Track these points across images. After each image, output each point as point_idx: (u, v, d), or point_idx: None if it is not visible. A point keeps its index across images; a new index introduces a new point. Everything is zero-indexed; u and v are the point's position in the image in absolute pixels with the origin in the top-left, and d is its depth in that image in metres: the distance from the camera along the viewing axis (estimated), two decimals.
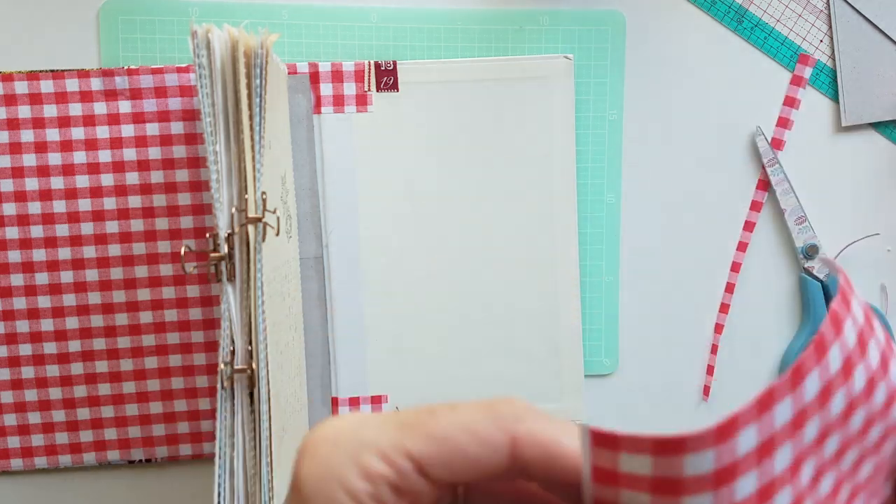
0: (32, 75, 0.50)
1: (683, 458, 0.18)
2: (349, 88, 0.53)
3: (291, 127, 0.52)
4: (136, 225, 0.51)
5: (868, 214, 0.57)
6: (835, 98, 0.57)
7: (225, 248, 0.38)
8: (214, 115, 0.38)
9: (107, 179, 0.51)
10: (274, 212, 0.40)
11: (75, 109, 0.50)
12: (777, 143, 0.56)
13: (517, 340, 0.55)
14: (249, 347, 0.39)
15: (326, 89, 0.52)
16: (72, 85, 0.50)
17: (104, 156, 0.51)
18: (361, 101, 0.53)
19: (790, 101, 0.56)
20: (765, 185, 0.57)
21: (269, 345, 0.39)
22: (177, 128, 0.51)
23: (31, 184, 0.50)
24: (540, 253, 0.55)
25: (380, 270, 0.54)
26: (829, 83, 0.57)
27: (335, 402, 0.54)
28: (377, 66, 0.53)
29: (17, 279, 0.51)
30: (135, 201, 0.51)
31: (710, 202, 0.57)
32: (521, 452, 0.20)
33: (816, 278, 0.56)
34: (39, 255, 0.51)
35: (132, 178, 0.51)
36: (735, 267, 0.57)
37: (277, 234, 0.41)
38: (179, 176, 0.51)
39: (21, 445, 0.52)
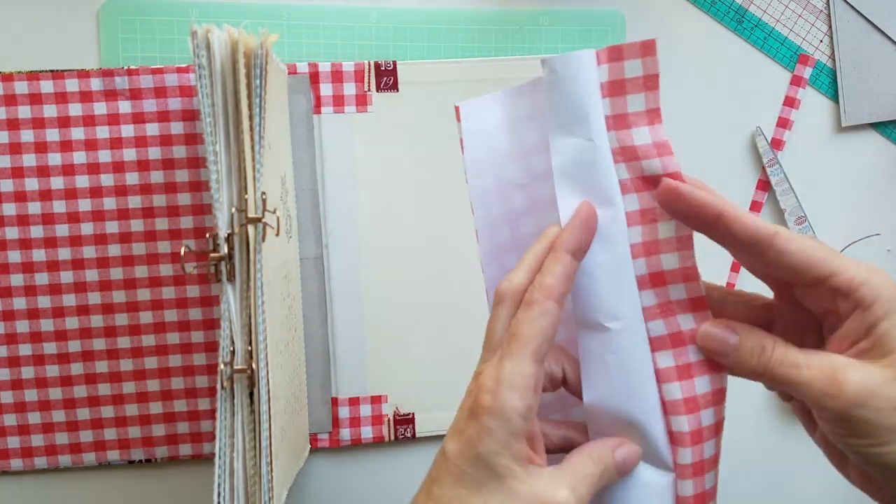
0: (32, 75, 0.50)
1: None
2: (349, 88, 0.53)
3: (291, 127, 0.52)
4: (136, 225, 0.51)
5: (868, 214, 0.57)
6: (835, 98, 0.57)
7: (225, 249, 0.38)
8: (214, 116, 0.38)
9: (107, 179, 0.51)
10: (274, 212, 0.40)
11: (75, 109, 0.50)
12: (777, 144, 0.56)
13: None
14: (249, 347, 0.39)
15: (326, 89, 0.52)
16: (72, 85, 0.50)
17: (104, 156, 0.51)
18: (361, 101, 0.53)
19: (790, 102, 0.56)
20: (765, 185, 0.57)
21: (269, 345, 0.39)
22: (177, 128, 0.51)
23: (31, 184, 0.50)
24: None
25: (380, 270, 0.54)
26: (829, 83, 0.57)
27: (335, 402, 0.54)
28: (377, 66, 0.53)
29: (17, 279, 0.51)
30: (135, 201, 0.51)
31: None
32: None
33: None
34: (39, 255, 0.51)
35: (132, 178, 0.51)
36: (735, 267, 0.57)
37: (277, 234, 0.41)
38: (179, 176, 0.51)
39: (21, 445, 0.52)
